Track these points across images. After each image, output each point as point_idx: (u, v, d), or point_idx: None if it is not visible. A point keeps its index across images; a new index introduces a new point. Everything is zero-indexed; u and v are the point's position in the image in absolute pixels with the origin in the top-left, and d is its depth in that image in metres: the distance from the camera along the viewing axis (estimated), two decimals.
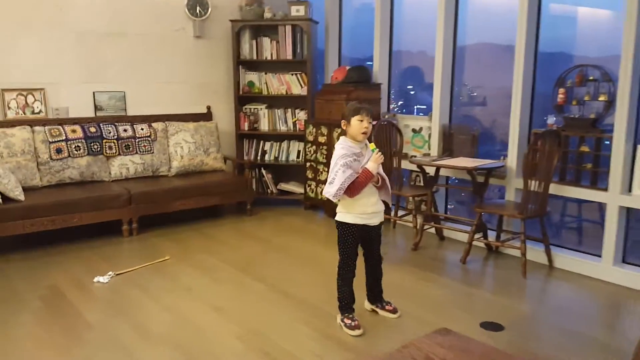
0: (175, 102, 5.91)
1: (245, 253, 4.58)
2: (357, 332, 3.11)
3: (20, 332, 3.15)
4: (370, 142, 3.09)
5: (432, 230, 5.02)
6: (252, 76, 6.09)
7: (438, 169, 4.76)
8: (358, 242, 3.22)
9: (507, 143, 4.57)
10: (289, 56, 5.87)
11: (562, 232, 5.02)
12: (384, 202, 3.26)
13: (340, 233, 3.18)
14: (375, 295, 3.42)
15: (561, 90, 4.22)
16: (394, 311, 3.39)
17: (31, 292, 3.70)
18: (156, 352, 2.94)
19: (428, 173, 4.87)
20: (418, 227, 4.74)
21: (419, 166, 4.79)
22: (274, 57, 5.94)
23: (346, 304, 3.22)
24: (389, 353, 1.79)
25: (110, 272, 4.02)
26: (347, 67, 5.49)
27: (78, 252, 4.53)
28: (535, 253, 4.36)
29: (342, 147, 3.05)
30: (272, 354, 2.90)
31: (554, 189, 4.22)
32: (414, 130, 5.34)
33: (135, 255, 4.50)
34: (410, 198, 4.96)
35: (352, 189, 2.99)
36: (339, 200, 3.14)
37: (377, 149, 3.05)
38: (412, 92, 5.90)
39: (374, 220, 3.20)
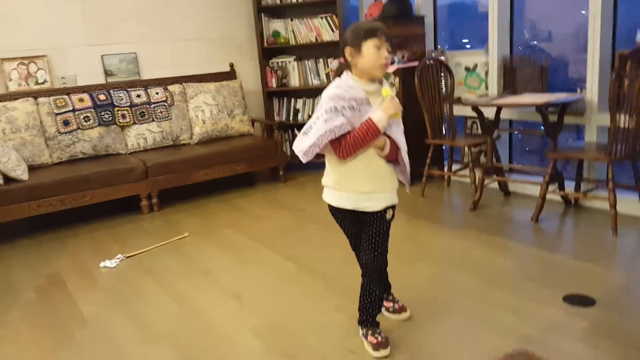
0: (194, 62, 5.28)
1: (276, 226, 3.96)
2: (383, 352, 2.20)
3: (3, 332, 2.67)
4: (383, 86, 2.09)
5: (495, 185, 4.22)
6: (277, 24, 5.37)
7: (499, 110, 3.93)
8: (356, 228, 2.25)
9: (584, 77, 3.69)
10: None
11: None
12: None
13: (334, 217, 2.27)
14: (385, 291, 2.51)
15: None
16: (402, 310, 2.51)
17: (28, 283, 3.23)
18: (152, 353, 2.37)
19: (486, 117, 4.06)
20: (477, 182, 3.96)
21: (475, 109, 3.97)
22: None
23: (373, 315, 2.29)
24: None
25: (119, 255, 3.50)
26: (384, 1, 4.68)
27: (90, 234, 4.05)
28: (627, 204, 3.51)
29: (337, 86, 2.04)
30: (295, 354, 2.27)
31: None
32: (467, 69, 4.50)
33: (153, 233, 3.96)
34: (466, 148, 4.16)
35: (342, 147, 2.01)
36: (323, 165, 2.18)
37: (392, 95, 2.08)
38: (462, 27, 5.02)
39: (372, 204, 2.13)
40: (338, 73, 2.12)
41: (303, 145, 2.01)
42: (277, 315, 2.62)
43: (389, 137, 2.09)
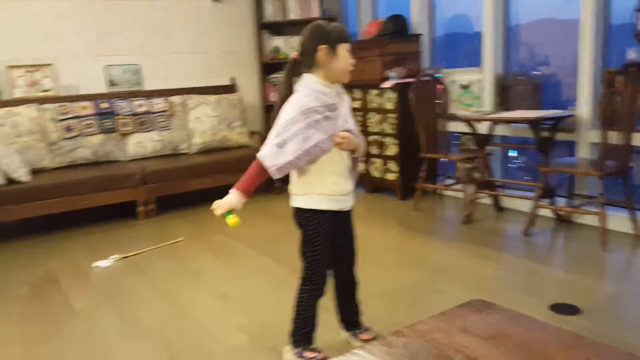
0: (196, 75, 5.39)
1: (267, 233, 4.00)
2: None
3: None
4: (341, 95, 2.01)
5: (488, 200, 4.27)
6: (278, 41, 5.49)
7: (492, 126, 4.00)
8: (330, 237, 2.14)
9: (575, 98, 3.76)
10: (316, 14, 5.23)
11: None
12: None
13: (307, 228, 2.09)
14: (351, 317, 2.35)
15: None
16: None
17: (21, 280, 3.27)
18: (138, 348, 2.40)
19: (480, 133, 4.12)
20: (470, 196, 4.00)
21: (469, 124, 4.04)
22: (300, 17, 5.32)
23: (308, 333, 2.20)
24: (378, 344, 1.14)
25: (113, 256, 3.54)
26: (382, 19, 4.79)
27: (86, 237, 4.10)
28: (617, 220, 3.54)
29: (307, 95, 1.90)
30: (281, 349, 2.30)
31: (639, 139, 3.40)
32: (462, 87, 4.58)
33: (147, 238, 4.01)
34: (459, 163, 4.22)
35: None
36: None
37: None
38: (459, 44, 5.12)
39: (349, 204, 2.14)
40: (292, 72, 1.97)
41: (278, 161, 1.89)
42: (265, 314, 2.65)
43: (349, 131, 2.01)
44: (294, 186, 2.07)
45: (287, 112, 1.91)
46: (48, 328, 2.62)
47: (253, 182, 1.98)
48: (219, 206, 1.97)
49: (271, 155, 1.91)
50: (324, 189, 2.03)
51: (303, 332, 2.19)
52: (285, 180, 2.09)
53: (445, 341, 1.14)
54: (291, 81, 1.96)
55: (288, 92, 1.96)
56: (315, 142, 1.90)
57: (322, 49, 1.89)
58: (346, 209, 2.15)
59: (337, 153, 2.00)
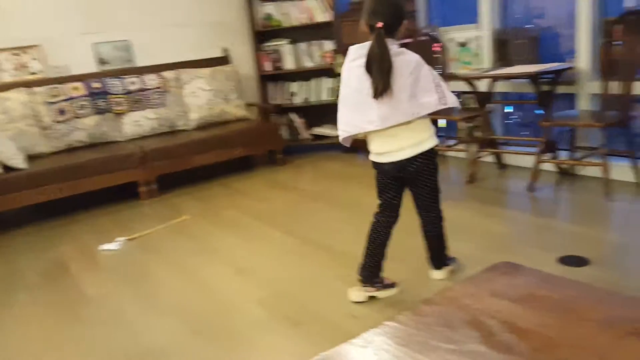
0: (188, 48, 5.29)
1: (276, 205, 4.00)
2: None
3: (10, 312, 2.71)
4: None
5: (490, 158, 4.27)
6: (269, 7, 5.37)
7: (492, 82, 3.97)
8: None
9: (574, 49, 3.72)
10: None
11: None
12: None
13: (436, 164, 2.36)
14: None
15: None
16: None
17: (31, 267, 3.27)
18: (161, 324, 2.42)
19: (480, 91, 4.09)
20: (473, 155, 4.00)
21: (469, 82, 4.00)
22: None
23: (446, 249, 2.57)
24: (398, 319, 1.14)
25: (119, 238, 3.53)
26: None
27: (91, 220, 4.08)
28: (620, 170, 3.56)
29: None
30: (299, 319, 2.32)
31: None
32: (460, 44, 4.52)
33: (152, 218, 3.99)
34: (461, 122, 4.20)
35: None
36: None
37: None
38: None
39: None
40: (382, 38, 2.13)
41: (455, 100, 2.23)
42: (280, 286, 2.67)
43: None
44: (423, 133, 2.28)
45: (425, 67, 2.19)
46: (65, 312, 2.63)
47: None
48: None
49: (449, 96, 2.22)
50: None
51: (445, 251, 2.54)
52: None
53: (478, 306, 1.15)
54: (386, 45, 2.12)
55: (386, 56, 2.11)
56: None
57: (405, 24, 2.21)
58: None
59: None
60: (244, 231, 3.51)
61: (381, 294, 2.43)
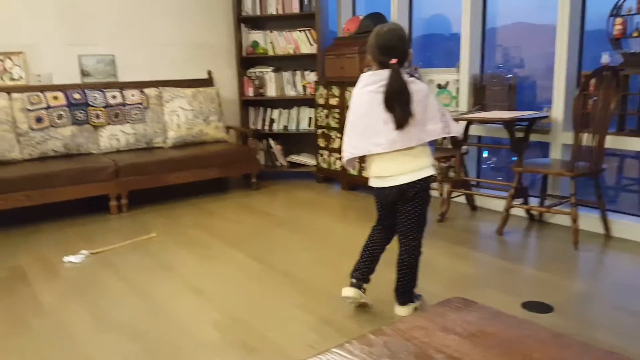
0: (172, 67, 5.31)
1: (244, 228, 3.97)
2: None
3: None
4: None
5: (462, 199, 4.31)
6: (256, 35, 5.44)
7: (468, 126, 4.04)
8: None
9: (551, 99, 3.81)
10: (296, 9, 5.20)
11: (620, 194, 4.23)
12: None
13: (428, 194, 2.47)
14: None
15: (618, 20, 3.44)
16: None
17: None
18: (109, 342, 2.35)
19: None
20: (445, 194, 4.04)
21: None
22: (280, 12, 5.28)
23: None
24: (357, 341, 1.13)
25: (83, 251, 3.46)
26: (360, 17, 4.79)
27: (56, 231, 4.00)
28: (589, 220, 3.61)
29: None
30: (253, 345, 2.28)
31: (611, 141, 3.47)
32: (439, 86, 4.61)
33: (120, 233, 3.93)
34: (435, 162, 4.24)
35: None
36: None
37: None
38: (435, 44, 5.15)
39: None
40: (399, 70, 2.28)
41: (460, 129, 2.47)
42: (238, 309, 2.63)
43: None
44: (424, 159, 2.38)
45: (431, 96, 2.38)
46: (15, 323, 2.55)
47: None
48: None
49: (454, 125, 2.41)
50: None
51: (414, 288, 2.56)
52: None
53: (425, 340, 1.14)
54: (403, 79, 2.26)
55: (405, 90, 2.25)
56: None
57: (410, 52, 2.35)
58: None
59: None
60: (208, 252, 3.47)
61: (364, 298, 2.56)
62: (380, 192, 2.44)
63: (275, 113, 5.56)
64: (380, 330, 1.19)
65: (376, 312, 2.56)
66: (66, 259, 3.36)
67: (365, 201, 4.50)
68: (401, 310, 2.51)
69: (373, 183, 2.45)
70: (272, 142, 5.55)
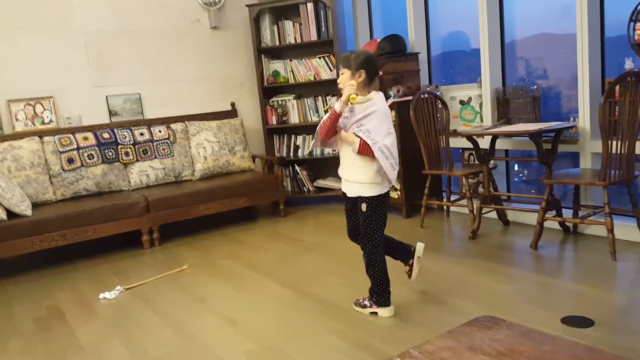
0: (196, 101, 5.42)
1: (275, 256, 3.98)
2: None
3: (4, 358, 2.67)
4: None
5: (493, 214, 4.24)
6: (277, 65, 5.52)
7: (494, 140, 3.99)
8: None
9: (576, 109, 3.76)
10: (314, 37, 5.27)
11: None
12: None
13: (375, 213, 2.78)
14: None
15: (638, 25, 3.38)
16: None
17: (27, 315, 3.24)
18: None
19: (482, 148, 4.11)
20: (475, 211, 3.98)
21: (470, 139, 4.03)
22: (298, 41, 5.36)
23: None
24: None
25: (118, 287, 3.51)
26: (378, 39, 4.83)
27: (91, 268, 4.07)
28: (625, 229, 3.51)
29: None
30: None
31: None
32: (461, 102, 4.59)
33: (152, 267, 3.98)
34: (464, 178, 4.20)
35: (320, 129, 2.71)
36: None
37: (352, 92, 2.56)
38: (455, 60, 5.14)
39: (347, 190, 2.81)
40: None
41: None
42: (272, 338, 2.62)
43: (358, 137, 2.58)
44: (359, 173, 2.73)
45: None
46: None
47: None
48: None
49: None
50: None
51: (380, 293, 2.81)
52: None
53: None
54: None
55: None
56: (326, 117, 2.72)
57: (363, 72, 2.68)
58: (348, 194, 2.79)
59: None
60: (239, 281, 3.48)
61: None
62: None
63: (300, 139, 5.60)
64: (408, 354, 1.17)
65: (413, 334, 2.52)
66: (102, 295, 3.42)
67: (393, 223, 4.47)
68: (379, 311, 2.79)
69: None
70: (297, 168, 5.59)
